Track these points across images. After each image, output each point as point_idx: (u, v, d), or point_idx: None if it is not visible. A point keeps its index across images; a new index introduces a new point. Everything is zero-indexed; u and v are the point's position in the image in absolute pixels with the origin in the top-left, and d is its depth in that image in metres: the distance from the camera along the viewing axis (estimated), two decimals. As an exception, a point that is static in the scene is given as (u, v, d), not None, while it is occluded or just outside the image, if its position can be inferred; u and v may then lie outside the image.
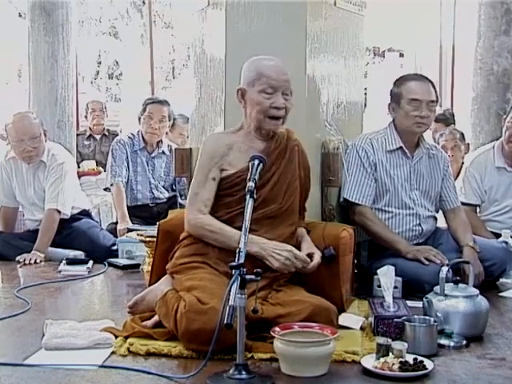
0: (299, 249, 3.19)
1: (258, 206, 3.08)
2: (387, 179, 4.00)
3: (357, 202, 3.96)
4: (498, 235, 4.29)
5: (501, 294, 3.89)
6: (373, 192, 3.99)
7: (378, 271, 3.27)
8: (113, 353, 2.76)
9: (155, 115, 5.45)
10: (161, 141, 5.54)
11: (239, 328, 2.46)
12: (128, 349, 2.78)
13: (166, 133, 5.75)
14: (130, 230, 4.73)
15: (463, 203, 4.38)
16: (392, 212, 4.03)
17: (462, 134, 5.79)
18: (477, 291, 3.12)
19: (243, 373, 2.46)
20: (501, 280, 4.07)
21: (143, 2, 16.70)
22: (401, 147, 4.03)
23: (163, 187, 5.54)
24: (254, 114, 3.18)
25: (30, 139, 4.82)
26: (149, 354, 2.75)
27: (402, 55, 17.93)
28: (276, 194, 3.20)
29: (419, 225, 4.05)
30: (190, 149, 4.10)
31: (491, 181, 4.59)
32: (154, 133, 5.48)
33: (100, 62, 19.26)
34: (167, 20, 18.21)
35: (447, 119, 6.57)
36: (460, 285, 3.14)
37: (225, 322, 2.36)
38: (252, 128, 3.24)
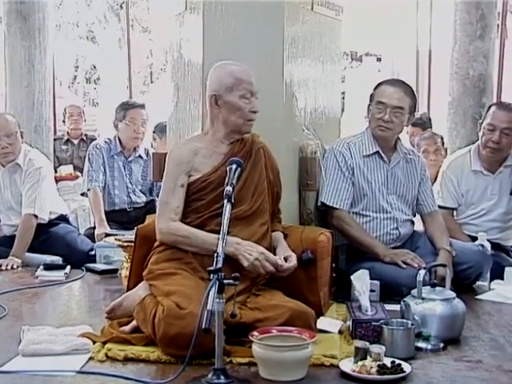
0: (275, 253, 3.20)
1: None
2: (364, 183, 4.01)
3: (334, 205, 3.97)
4: (474, 238, 4.31)
5: (477, 296, 3.93)
6: (350, 196, 4.00)
7: (352, 276, 3.29)
8: (91, 358, 2.75)
9: (138, 120, 5.45)
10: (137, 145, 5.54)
11: (217, 332, 2.46)
12: (106, 354, 2.77)
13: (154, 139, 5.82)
14: (107, 235, 4.71)
15: (440, 206, 4.41)
16: (369, 216, 4.04)
17: (442, 138, 5.82)
18: (454, 294, 3.15)
19: (222, 377, 2.47)
20: (477, 283, 4.09)
21: (121, 7, 16.63)
22: (377, 152, 4.05)
23: (141, 191, 5.51)
24: (233, 119, 3.22)
25: (5, 136, 4.80)
26: (127, 360, 2.74)
27: (379, 60, 18.00)
28: (243, 196, 3.21)
29: (396, 228, 4.07)
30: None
31: (468, 184, 4.62)
32: (139, 137, 5.49)
33: (77, 67, 19.17)
34: (145, 24, 18.17)
35: (424, 123, 6.61)
36: (437, 288, 3.16)
37: (203, 326, 2.36)
38: (224, 132, 3.27)
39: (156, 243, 3.26)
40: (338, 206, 3.97)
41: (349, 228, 3.96)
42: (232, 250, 3.00)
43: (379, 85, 4.07)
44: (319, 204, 4.03)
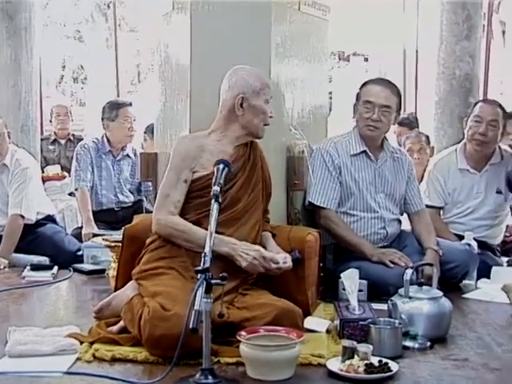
0: None
1: (225, 207, 3.12)
2: (352, 183, 4.02)
3: (322, 205, 3.97)
4: (461, 237, 4.33)
5: (464, 295, 3.94)
6: (338, 195, 4.00)
7: (342, 274, 3.30)
8: (78, 359, 2.74)
9: (130, 118, 5.48)
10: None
11: (205, 332, 2.46)
12: (93, 355, 2.76)
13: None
14: (95, 235, 4.70)
15: (427, 206, 4.43)
16: (357, 215, 4.05)
17: (428, 137, 5.86)
18: (440, 293, 3.16)
19: (209, 377, 2.46)
20: (464, 282, 4.11)
21: (108, 6, 16.60)
22: (365, 151, 4.05)
23: (129, 190, 5.51)
24: (255, 121, 3.28)
25: None
26: (114, 360, 2.74)
27: (366, 60, 18.03)
28: (241, 196, 3.23)
29: (384, 228, 4.08)
30: (156, 153, 4.09)
31: (454, 183, 4.64)
32: (133, 134, 5.55)
33: (64, 66, 19.11)
34: (132, 24, 18.12)
35: (411, 123, 6.64)
36: (424, 287, 3.17)
37: (190, 326, 2.35)
38: (239, 134, 3.29)
39: (148, 240, 3.25)
40: (325, 206, 3.98)
41: (336, 227, 3.97)
42: (227, 249, 3.03)
43: (365, 84, 4.08)
44: (307, 203, 4.03)
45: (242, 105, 3.25)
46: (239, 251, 3.04)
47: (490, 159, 4.62)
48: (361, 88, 4.08)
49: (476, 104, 4.71)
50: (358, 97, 4.06)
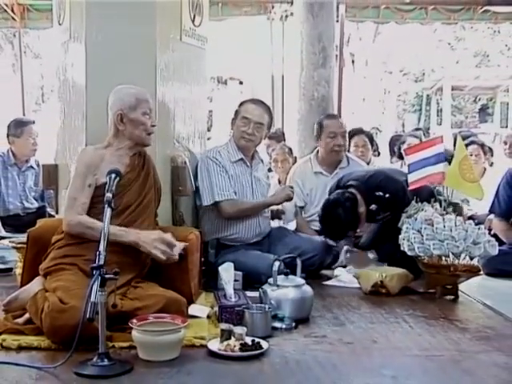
0: None
1: (121, 211, 3.10)
2: (234, 185, 4.04)
3: (227, 198, 3.97)
4: (321, 232, 4.41)
5: (323, 282, 4.00)
6: (232, 187, 4.02)
7: (220, 268, 3.31)
8: (-14, 349, 2.62)
9: (34, 134, 5.41)
10: (29, 157, 5.44)
11: (101, 321, 2.42)
12: (1, 344, 2.67)
13: None
14: (2, 238, 4.54)
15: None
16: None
17: (290, 149, 5.99)
18: (303, 281, 3.22)
19: (105, 360, 2.44)
20: (323, 270, 4.18)
21: (14, 35, 16.02)
22: (242, 158, 4.10)
23: (33, 198, 5.43)
24: (137, 133, 3.21)
25: None
26: (20, 348, 2.66)
27: (241, 83, 18.17)
28: (135, 201, 3.19)
29: (259, 225, 4.14)
30: (56, 164, 3.98)
31: (311, 184, 4.79)
32: (37, 149, 5.44)
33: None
34: (36, 51, 17.59)
35: (278, 137, 6.76)
36: (290, 276, 3.21)
37: (87, 316, 2.32)
38: (129, 145, 3.23)
39: (54, 238, 3.14)
40: (227, 197, 3.98)
41: (244, 206, 4.02)
42: (133, 239, 3.02)
43: (244, 103, 4.14)
44: (208, 203, 3.99)
45: (122, 120, 3.20)
46: (142, 239, 3.01)
47: (340, 164, 4.78)
48: (239, 106, 4.13)
49: (322, 122, 4.83)
50: (236, 113, 4.12)
